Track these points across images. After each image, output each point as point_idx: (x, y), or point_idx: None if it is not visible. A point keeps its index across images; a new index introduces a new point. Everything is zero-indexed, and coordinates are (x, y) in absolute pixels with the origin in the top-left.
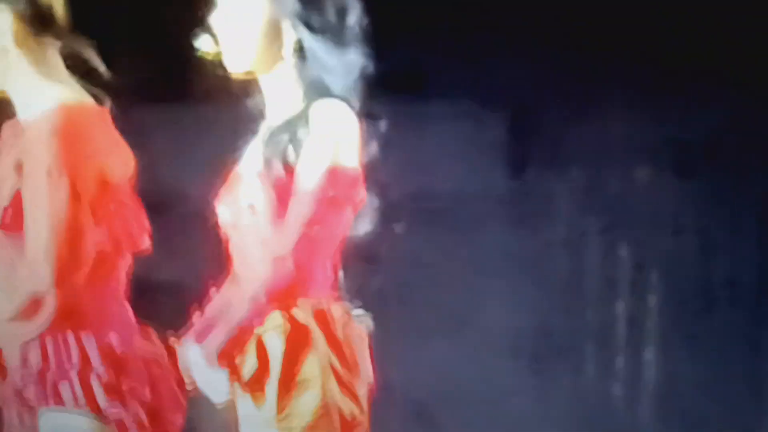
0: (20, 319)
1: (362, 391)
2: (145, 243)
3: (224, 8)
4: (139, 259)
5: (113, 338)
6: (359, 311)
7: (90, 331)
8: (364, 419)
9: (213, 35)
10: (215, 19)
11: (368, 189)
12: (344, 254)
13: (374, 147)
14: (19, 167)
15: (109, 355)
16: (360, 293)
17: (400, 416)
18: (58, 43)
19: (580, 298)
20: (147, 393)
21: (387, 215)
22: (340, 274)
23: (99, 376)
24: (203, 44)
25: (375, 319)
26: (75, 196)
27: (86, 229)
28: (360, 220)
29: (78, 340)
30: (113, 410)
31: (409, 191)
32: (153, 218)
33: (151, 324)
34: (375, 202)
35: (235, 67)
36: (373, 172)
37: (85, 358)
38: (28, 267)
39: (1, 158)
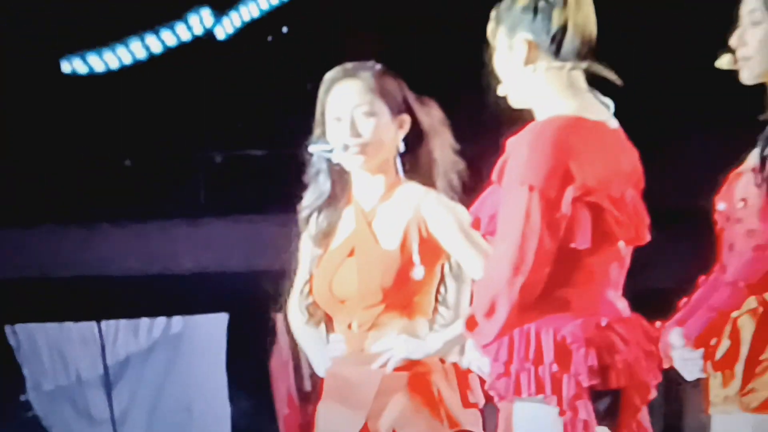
0: (485, 318)
1: None
2: (645, 237)
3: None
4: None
5: (579, 329)
6: None
7: (552, 324)
8: None
9: (732, 52)
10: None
11: None
12: None
13: None
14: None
15: (587, 342)
16: None
17: None
18: (575, 63)
19: None
20: (617, 379)
21: None
22: None
23: (577, 371)
24: (725, 63)
25: None
26: (543, 206)
27: (548, 236)
28: None
29: (537, 333)
30: (579, 402)
31: None
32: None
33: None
34: None
35: (752, 79)
36: None
37: (560, 350)
38: (493, 269)
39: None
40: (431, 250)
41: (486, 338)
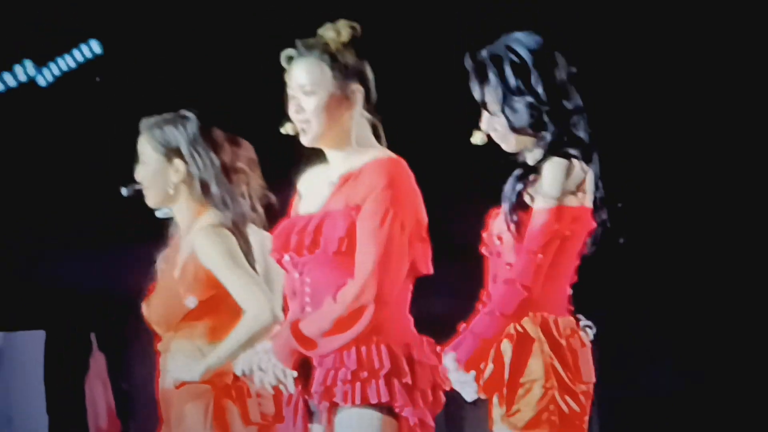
0: (336, 332)
1: (582, 390)
2: (431, 268)
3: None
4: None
5: (410, 347)
6: (585, 321)
7: (392, 341)
8: (583, 414)
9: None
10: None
11: (596, 218)
12: (578, 273)
13: (600, 188)
14: (350, 206)
15: (410, 362)
16: (590, 304)
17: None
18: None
19: None
20: (430, 395)
21: (613, 236)
22: (570, 291)
23: (403, 380)
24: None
25: (604, 325)
26: (403, 232)
27: (406, 258)
28: (592, 244)
29: (387, 348)
30: (408, 409)
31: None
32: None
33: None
34: (601, 228)
35: (508, 148)
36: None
37: (393, 364)
38: (358, 284)
39: (331, 201)
40: (206, 279)
41: (332, 347)
